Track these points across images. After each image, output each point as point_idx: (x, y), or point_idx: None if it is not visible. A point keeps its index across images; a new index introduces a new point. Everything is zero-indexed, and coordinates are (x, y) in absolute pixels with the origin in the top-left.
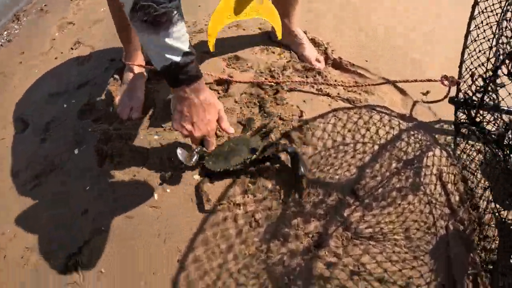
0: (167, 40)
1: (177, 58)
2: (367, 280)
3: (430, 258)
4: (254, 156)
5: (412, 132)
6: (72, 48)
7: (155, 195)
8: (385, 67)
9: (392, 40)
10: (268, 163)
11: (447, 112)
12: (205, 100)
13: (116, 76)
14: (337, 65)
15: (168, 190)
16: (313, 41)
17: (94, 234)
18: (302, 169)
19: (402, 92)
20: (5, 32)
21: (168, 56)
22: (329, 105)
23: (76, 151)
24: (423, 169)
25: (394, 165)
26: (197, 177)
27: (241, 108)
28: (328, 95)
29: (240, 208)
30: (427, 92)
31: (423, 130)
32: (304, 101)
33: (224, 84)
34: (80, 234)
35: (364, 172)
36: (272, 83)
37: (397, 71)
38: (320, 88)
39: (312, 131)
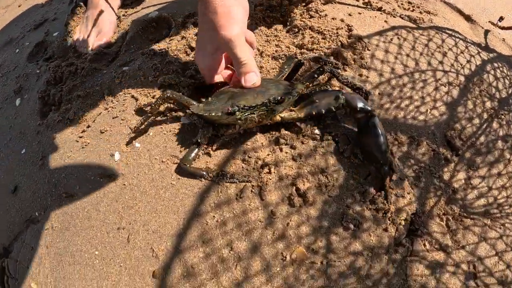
0: None
1: None
2: (488, 285)
3: None
4: (288, 98)
5: (496, 65)
6: None
7: (116, 155)
8: None
9: None
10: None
11: None
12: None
13: (81, 3)
14: None
15: (137, 145)
16: None
17: (24, 225)
18: (384, 154)
19: (469, 19)
20: None
21: None
22: (385, 21)
23: (17, 102)
24: None
25: (488, 104)
26: (184, 121)
27: (256, 24)
28: (380, 9)
29: (270, 171)
30: (501, 18)
31: (506, 64)
32: (350, 15)
33: None
34: (7, 226)
35: (455, 112)
36: None
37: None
38: (369, 1)
39: (371, 51)
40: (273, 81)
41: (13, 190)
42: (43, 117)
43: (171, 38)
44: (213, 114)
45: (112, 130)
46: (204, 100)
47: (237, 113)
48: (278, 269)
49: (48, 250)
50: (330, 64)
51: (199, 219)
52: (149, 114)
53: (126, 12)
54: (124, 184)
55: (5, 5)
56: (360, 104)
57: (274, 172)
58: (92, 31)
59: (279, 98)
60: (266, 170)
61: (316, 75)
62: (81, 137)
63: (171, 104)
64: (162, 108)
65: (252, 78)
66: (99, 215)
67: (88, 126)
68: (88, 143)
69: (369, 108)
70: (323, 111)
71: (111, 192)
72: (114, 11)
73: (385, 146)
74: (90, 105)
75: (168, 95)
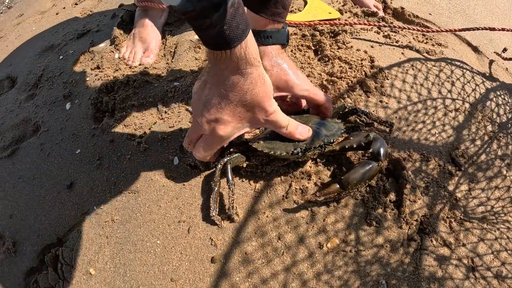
0: None
1: None
2: (485, 278)
3: None
4: (338, 139)
5: (498, 92)
6: (76, 3)
7: (175, 159)
8: (451, 21)
9: None
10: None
11: None
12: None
13: (126, 19)
14: (399, 15)
15: None
16: None
17: (81, 218)
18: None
19: (476, 50)
20: (7, 0)
21: None
22: (402, 53)
23: (67, 106)
24: None
25: (489, 127)
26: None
27: (292, 51)
28: (397, 43)
29: (311, 178)
30: (505, 50)
31: (508, 92)
32: (372, 47)
33: None
34: (62, 218)
35: (460, 134)
36: (331, 24)
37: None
38: (388, 35)
39: (391, 81)
40: (319, 120)
41: (68, 185)
42: (97, 122)
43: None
44: (278, 153)
45: (170, 138)
46: (259, 135)
47: (300, 153)
48: (318, 256)
49: (108, 239)
50: (362, 112)
51: (253, 215)
52: (214, 186)
53: (170, 30)
54: (184, 184)
55: (41, 11)
56: (376, 147)
57: (314, 179)
58: (139, 48)
59: (332, 141)
60: (307, 176)
61: (349, 115)
62: (139, 142)
63: None
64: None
65: (304, 133)
66: (160, 210)
67: (145, 133)
68: (147, 147)
69: (381, 157)
70: (354, 145)
71: (171, 190)
72: (159, 30)
73: (359, 176)
74: (145, 114)
75: (226, 165)
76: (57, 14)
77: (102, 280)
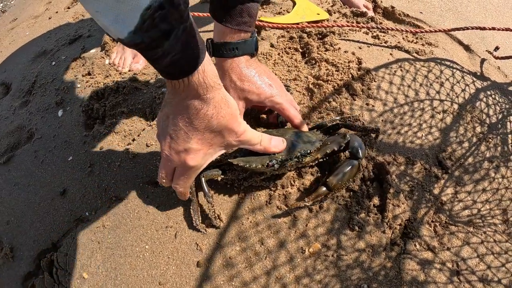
0: None
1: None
2: (470, 281)
3: None
4: (315, 150)
5: (488, 92)
6: (68, 8)
7: None
8: (442, 20)
9: None
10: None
11: None
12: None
13: None
14: (389, 14)
15: None
16: None
17: (74, 224)
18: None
19: (467, 48)
20: (0, 5)
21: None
22: (390, 54)
23: (60, 113)
24: (509, 136)
25: (478, 129)
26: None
27: (279, 54)
28: (386, 43)
29: (294, 184)
30: (497, 48)
31: (499, 91)
32: (360, 48)
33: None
34: (56, 224)
35: (448, 137)
36: (319, 27)
37: (456, 26)
38: (377, 35)
39: (378, 83)
40: (296, 132)
41: (62, 192)
42: (88, 129)
43: None
44: (254, 166)
45: (157, 145)
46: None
47: (276, 165)
48: (299, 260)
49: (100, 245)
50: (345, 126)
51: (236, 220)
52: (192, 198)
53: None
54: (171, 191)
55: (34, 15)
56: (354, 146)
57: (296, 185)
58: (128, 53)
59: (309, 151)
60: (289, 182)
61: (331, 130)
62: (128, 149)
63: None
64: None
65: (278, 145)
66: (149, 216)
67: (134, 140)
68: (136, 154)
69: (360, 155)
70: (335, 149)
71: (159, 197)
72: None
73: (342, 176)
74: (134, 121)
75: (199, 179)
76: (50, 18)
77: (94, 284)
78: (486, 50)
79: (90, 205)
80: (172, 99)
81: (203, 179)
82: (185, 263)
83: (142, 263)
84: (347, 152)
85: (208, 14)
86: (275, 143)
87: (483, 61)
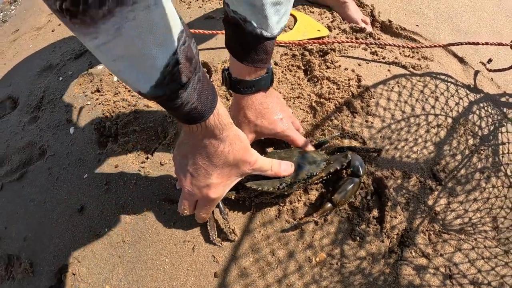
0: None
1: (164, 60)
2: (461, 284)
3: None
4: (321, 170)
5: (481, 105)
6: None
7: (177, 184)
8: (438, 32)
9: (444, 1)
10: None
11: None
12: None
13: None
14: (386, 28)
15: None
16: (357, 2)
17: (94, 239)
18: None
19: (462, 61)
20: (1, 14)
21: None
22: (388, 70)
23: (71, 130)
24: (500, 147)
25: (471, 141)
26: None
27: (282, 72)
28: (384, 59)
29: (301, 199)
30: (490, 61)
31: (491, 103)
32: (359, 65)
33: None
34: (76, 240)
35: (442, 150)
36: (320, 44)
37: (452, 38)
38: (375, 51)
39: (376, 100)
40: (301, 153)
41: (79, 209)
42: (102, 147)
43: (213, 81)
44: (265, 188)
45: (170, 162)
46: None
47: (285, 188)
48: (307, 268)
49: (121, 259)
50: (349, 149)
51: (249, 233)
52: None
53: None
54: None
55: (36, 27)
56: (355, 165)
57: (303, 200)
58: None
59: (315, 173)
60: (297, 197)
61: (336, 152)
62: (142, 167)
63: None
64: None
65: (287, 169)
66: (167, 231)
67: (147, 158)
68: (150, 172)
69: (361, 173)
70: (338, 167)
71: (175, 213)
72: None
73: (345, 193)
74: (146, 140)
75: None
76: (53, 31)
77: None
78: (480, 62)
79: (109, 222)
80: (189, 140)
81: None
82: (203, 274)
83: (162, 275)
84: (349, 170)
85: (212, 31)
86: (284, 168)
87: (476, 73)
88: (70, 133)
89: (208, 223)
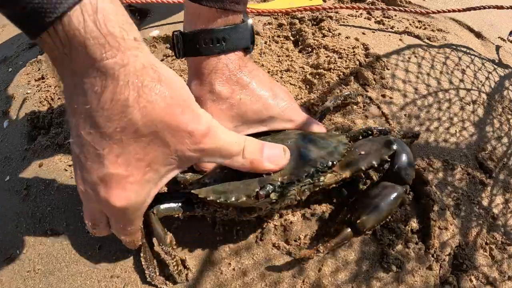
0: None
1: None
2: None
3: None
4: (338, 162)
5: None
6: None
7: None
8: (446, 6)
9: None
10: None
11: None
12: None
13: None
14: (390, 1)
15: None
16: None
17: (4, 262)
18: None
19: (479, 35)
20: None
21: None
22: (400, 39)
23: (5, 124)
24: None
25: None
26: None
27: (266, 42)
28: (393, 28)
29: (297, 208)
30: (511, 33)
31: None
32: (364, 33)
33: None
34: None
35: (484, 132)
36: (315, 9)
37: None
38: (381, 20)
39: (391, 71)
40: (304, 134)
41: None
42: (31, 141)
43: (173, 58)
44: (233, 199)
45: None
46: (200, 176)
47: (272, 194)
48: None
49: None
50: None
51: (212, 268)
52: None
53: None
54: None
55: (2, 24)
56: (402, 164)
57: (301, 210)
58: None
59: (329, 164)
60: (291, 207)
61: (361, 137)
62: (70, 165)
63: None
64: None
65: (276, 157)
66: (90, 259)
67: None
68: None
69: (409, 178)
70: (375, 163)
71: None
72: None
73: (380, 214)
74: None
75: (149, 218)
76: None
77: None
78: (499, 37)
79: (22, 240)
80: (65, 88)
81: (153, 217)
82: None
83: None
84: (385, 168)
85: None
86: (271, 154)
87: (498, 48)
88: (4, 127)
89: (142, 254)
